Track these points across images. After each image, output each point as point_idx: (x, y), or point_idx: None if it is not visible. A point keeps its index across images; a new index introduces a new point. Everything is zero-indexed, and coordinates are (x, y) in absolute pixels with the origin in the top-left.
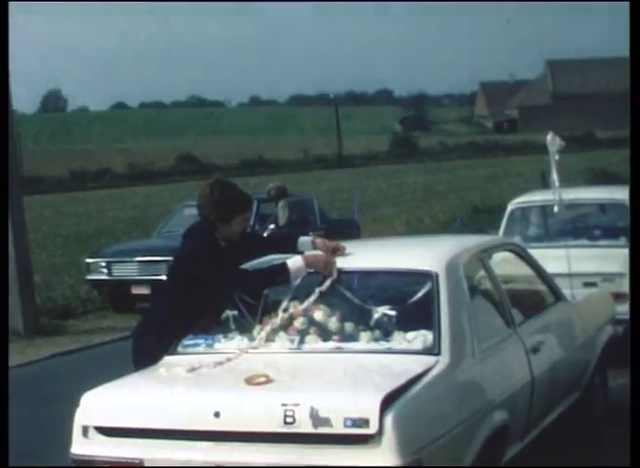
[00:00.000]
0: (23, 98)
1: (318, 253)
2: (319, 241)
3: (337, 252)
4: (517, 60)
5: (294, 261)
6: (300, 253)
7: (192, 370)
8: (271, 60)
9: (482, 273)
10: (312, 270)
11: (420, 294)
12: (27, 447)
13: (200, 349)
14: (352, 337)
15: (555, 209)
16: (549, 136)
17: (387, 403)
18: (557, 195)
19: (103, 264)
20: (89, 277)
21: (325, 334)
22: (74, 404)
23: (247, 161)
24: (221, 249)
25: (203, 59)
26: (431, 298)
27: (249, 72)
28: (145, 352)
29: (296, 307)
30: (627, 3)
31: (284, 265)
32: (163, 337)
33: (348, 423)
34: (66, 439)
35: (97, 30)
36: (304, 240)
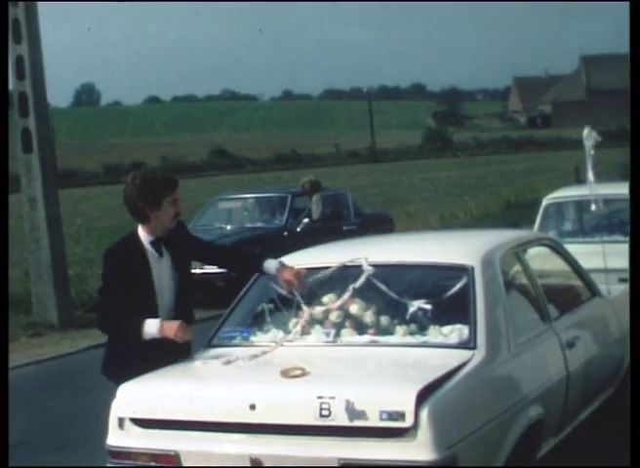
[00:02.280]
0: (57, 93)
1: (173, 323)
2: (286, 271)
3: (297, 281)
4: (551, 55)
5: (150, 324)
6: (263, 273)
7: (228, 362)
8: (304, 54)
9: (517, 268)
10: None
11: (455, 288)
12: (63, 439)
13: (236, 342)
14: (388, 331)
15: (592, 206)
16: (585, 131)
17: (423, 396)
18: (593, 190)
19: None
20: None
21: (360, 328)
22: (109, 396)
23: (279, 155)
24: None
25: (236, 53)
26: (467, 292)
27: (282, 66)
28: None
29: (332, 300)
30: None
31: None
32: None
33: (384, 416)
34: (102, 431)
35: (130, 25)
36: (271, 264)
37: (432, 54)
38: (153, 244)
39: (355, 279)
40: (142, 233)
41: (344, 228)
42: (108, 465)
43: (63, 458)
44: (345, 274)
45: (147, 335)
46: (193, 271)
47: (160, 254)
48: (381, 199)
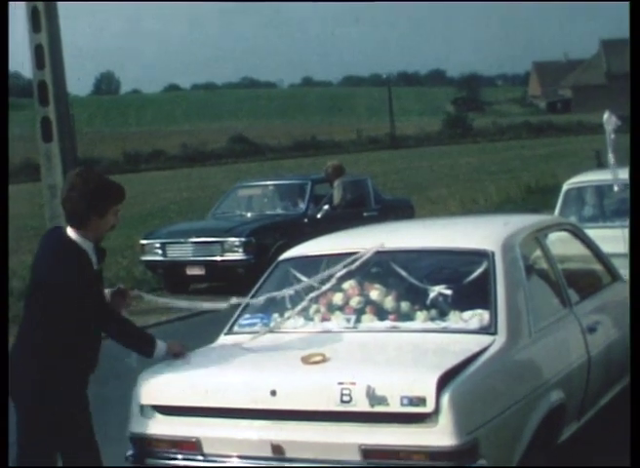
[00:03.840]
0: (76, 81)
1: (174, 341)
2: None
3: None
4: (571, 40)
5: (161, 346)
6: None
7: (248, 348)
8: (323, 41)
9: (538, 252)
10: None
11: (476, 274)
12: None
13: (256, 328)
14: (408, 316)
15: (615, 188)
16: (606, 115)
17: (444, 381)
18: (614, 174)
19: (158, 245)
20: (143, 258)
21: (381, 314)
22: (131, 383)
23: (299, 142)
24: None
25: (255, 41)
26: (487, 277)
27: (301, 53)
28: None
29: (352, 287)
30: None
31: (153, 340)
32: (39, 360)
33: (405, 402)
34: (124, 418)
35: (149, 13)
36: (161, 347)
37: (452, 39)
38: (95, 251)
39: (377, 265)
40: (76, 237)
41: (365, 214)
42: (129, 452)
43: None
44: (368, 260)
45: (157, 355)
46: (214, 258)
47: (97, 264)
48: (402, 185)
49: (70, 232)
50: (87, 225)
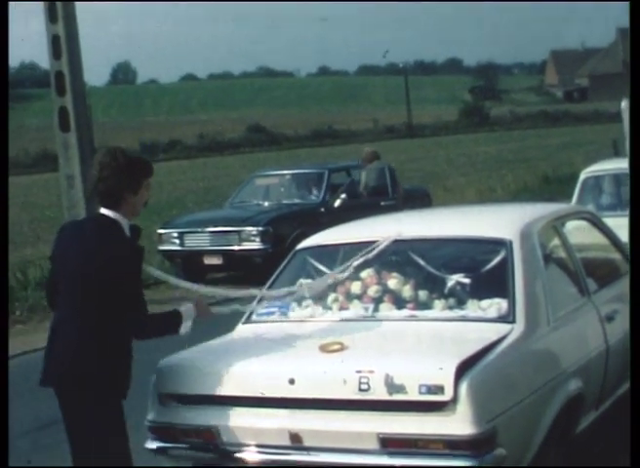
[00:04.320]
0: (93, 71)
1: (200, 299)
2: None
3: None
4: (588, 28)
5: (186, 309)
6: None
7: (267, 337)
8: (340, 30)
9: (556, 241)
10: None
11: (494, 262)
12: None
13: (274, 317)
14: (426, 305)
15: None
16: (623, 103)
17: (462, 370)
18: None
19: (175, 235)
20: (161, 248)
21: (399, 302)
22: (150, 372)
23: (316, 131)
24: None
25: (271, 30)
26: (505, 266)
27: (318, 42)
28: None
29: (370, 276)
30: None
31: (178, 313)
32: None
33: (423, 390)
34: (144, 407)
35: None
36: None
37: (468, 28)
38: (132, 231)
39: (394, 254)
40: (115, 216)
41: (382, 204)
42: (149, 441)
43: None
44: (386, 249)
45: (185, 327)
46: (231, 248)
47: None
48: (419, 174)
49: (107, 212)
50: (122, 203)
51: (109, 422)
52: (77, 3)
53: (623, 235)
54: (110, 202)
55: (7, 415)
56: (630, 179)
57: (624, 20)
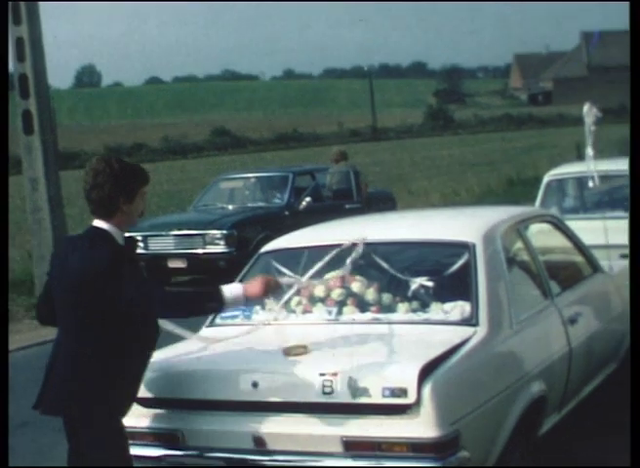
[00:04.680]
0: (57, 74)
1: (255, 280)
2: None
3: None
4: (552, 32)
5: (230, 289)
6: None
7: (230, 340)
8: (305, 34)
9: (519, 244)
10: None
11: (457, 266)
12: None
13: (238, 321)
14: (390, 308)
15: (590, 183)
16: (586, 107)
17: (425, 373)
18: (592, 166)
19: (140, 238)
20: None
21: (362, 305)
22: None
23: (281, 134)
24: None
25: (236, 34)
26: (469, 269)
27: (283, 46)
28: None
29: (334, 279)
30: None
31: (218, 291)
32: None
33: (386, 393)
34: None
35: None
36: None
37: (433, 32)
38: (127, 242)
39: (359, 257)
40: (108, 227)
41: (347, 207)
42: None
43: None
44: (347, 253)
45: (230, 301)
46: (195, 251)
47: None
48: (383, 177)
49: (99, 224)
50: (116, 213)
51: (112, 441)
52: (41, 4)
53: (586, 238)
54: (104, 212)
55: (7, 415)
56: (630, 179)
57: (588, 24)
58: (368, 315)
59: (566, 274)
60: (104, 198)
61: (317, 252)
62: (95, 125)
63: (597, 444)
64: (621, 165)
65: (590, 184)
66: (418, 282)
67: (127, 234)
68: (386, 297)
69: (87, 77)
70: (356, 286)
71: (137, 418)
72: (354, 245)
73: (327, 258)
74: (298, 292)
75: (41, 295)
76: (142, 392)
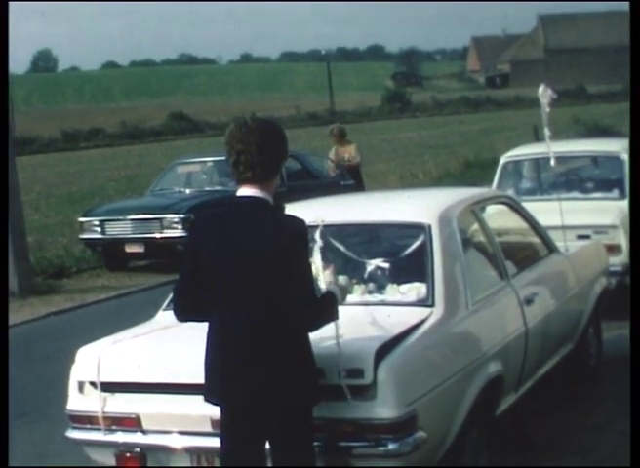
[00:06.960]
0: (13, 59)
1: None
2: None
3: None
4: (509, 15)
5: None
6: None
7: (188, 324)
8: (262, 17)
9: (475, 226)
10: None
11: (413, 247)
12: (25, 406)
13: None
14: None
15: (552, 162)
16: (541, 89)
17: (382, 354)
18: (549, 148)
19: (97, 223)
20: (82, 236)
21: (318, 287)
22: (70, 362)
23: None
24: None
25: (193, 17)
26: (424, 251)
27: (240, 29)
28: None
29: None
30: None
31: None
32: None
33: (343, 374)
34: (64, 397)
35: None
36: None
37: (391, 14)
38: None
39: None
40: (267, 197)
41: (342, 183)
42: (69, 431)
43: (25, 426)
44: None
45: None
46: (153, 235)
47: None
48: None
49: (254, 192)
50: (274, 177)
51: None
52: None
53: (542, 219)
54: (257, 176)
55: (7, 415)
56: (630, 177)
57: (545, 7)
58: None
59: (522, 255)
60: (267, 161)
61: None
62: (51, 110)
63: (553, 424)
64: (578, 146)
65: (552, 163)
66: (374, 264)
67: (89, 218)
68: (342, 279)
69: (43, 62)
70: (312, 268)
71: (94, 402)
72: (312, 227)
73: None
74: None
75: (182, 289)
76: (99, 376)
